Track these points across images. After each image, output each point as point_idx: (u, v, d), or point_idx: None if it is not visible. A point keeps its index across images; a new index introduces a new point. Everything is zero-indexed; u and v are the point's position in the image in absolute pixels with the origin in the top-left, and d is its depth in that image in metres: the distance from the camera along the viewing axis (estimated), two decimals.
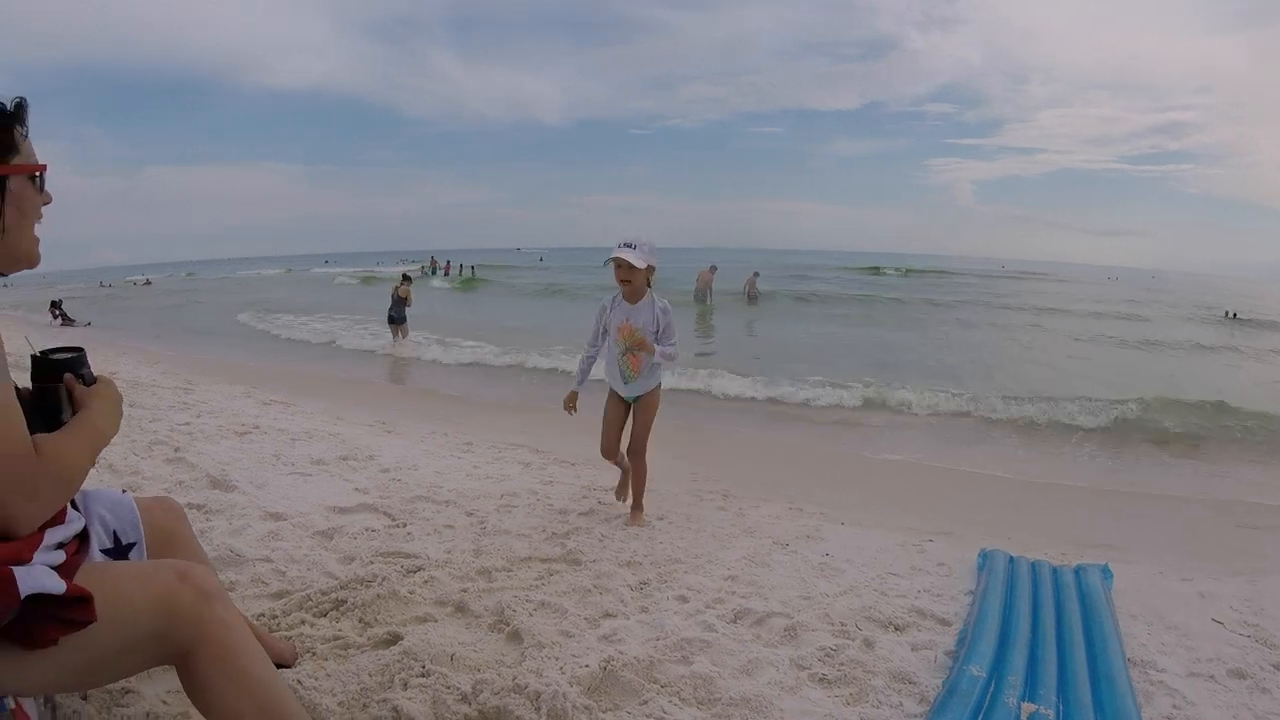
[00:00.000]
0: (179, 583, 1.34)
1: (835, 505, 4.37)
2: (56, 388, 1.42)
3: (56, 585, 1.18)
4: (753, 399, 8.99)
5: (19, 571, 1.15)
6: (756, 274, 25.34)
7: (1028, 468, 6.32)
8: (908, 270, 52.30)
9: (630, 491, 3.95)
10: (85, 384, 1.45)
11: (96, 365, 1.51)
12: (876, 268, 55.08)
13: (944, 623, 2.69)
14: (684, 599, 2.73)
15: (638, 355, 3.66)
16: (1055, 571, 3.08)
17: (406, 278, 14.80)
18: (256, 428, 5.60)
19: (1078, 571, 3.08)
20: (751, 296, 24.44)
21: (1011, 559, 3.19)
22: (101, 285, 44.81)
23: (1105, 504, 5.33)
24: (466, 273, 40.44)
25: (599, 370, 3.94)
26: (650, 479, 3.86)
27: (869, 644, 2.46)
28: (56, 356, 1.46)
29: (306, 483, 4.12)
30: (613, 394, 3.88)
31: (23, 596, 1.14)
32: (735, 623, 2.58)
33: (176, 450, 4.61)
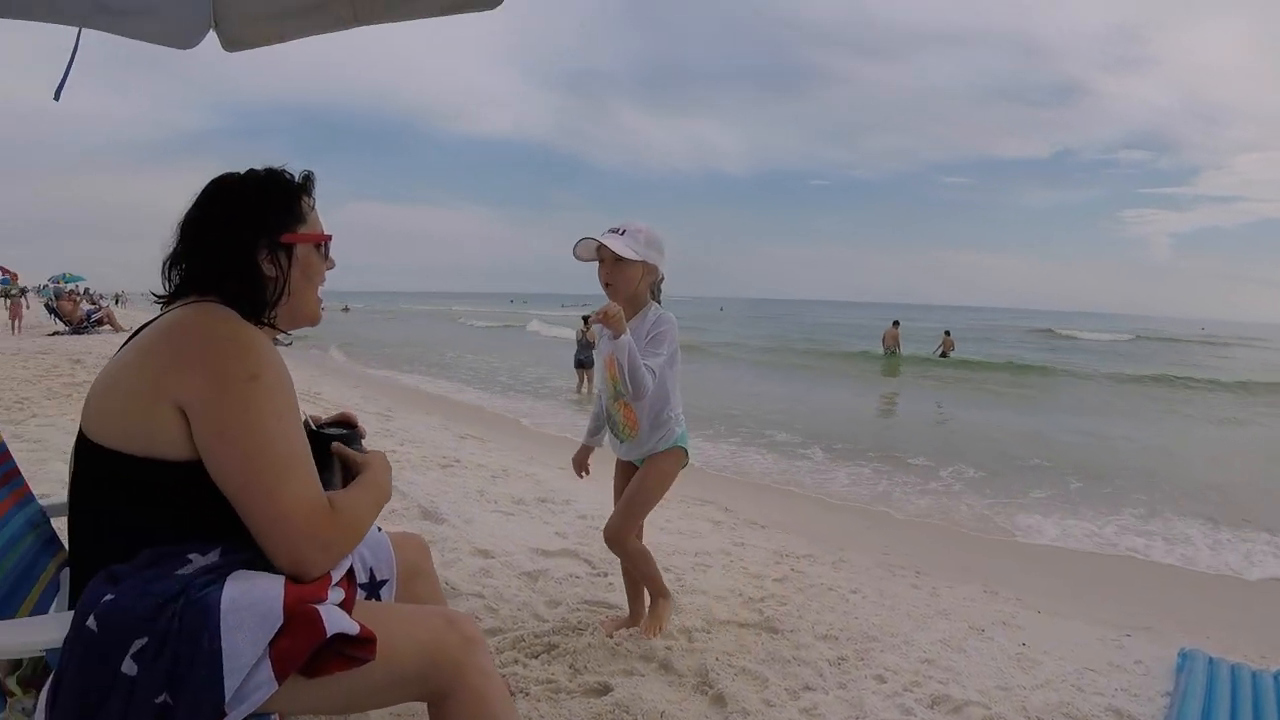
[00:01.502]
0: (446, 629, 1.41)
1: (1030, 590, 4.20)
2: (330, 457, 1.53)
3: (351, 626, 1.24)
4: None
5: (322, 610, 1.23)
6: (948, 333, 27.34)
7: (1228, 562, 5.75)
8: (1138, 336, 48.84)
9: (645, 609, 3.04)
10: None
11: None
12: (1049, 329, 51.42)
13: None
14: (881, 679, 2.74)
15: (629, 402, 2.72)
16: (1255, 676, 2.90)
17: (587, 320, 15.43)
18: (457, 461, 6.04)
19: (1277, 677, 2.90)
20: (946, 355, 25.81)
21: (1211, 661, 3.01)
22: None
23: None
24: None
25: None
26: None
27: None
28: (330, 431, 1.58)
29: (510, 521, 4.39)
30: (620, 462, 3.01)
31: (329, 635, 1.21)
32: (933, 708, 2.57)
33: None
